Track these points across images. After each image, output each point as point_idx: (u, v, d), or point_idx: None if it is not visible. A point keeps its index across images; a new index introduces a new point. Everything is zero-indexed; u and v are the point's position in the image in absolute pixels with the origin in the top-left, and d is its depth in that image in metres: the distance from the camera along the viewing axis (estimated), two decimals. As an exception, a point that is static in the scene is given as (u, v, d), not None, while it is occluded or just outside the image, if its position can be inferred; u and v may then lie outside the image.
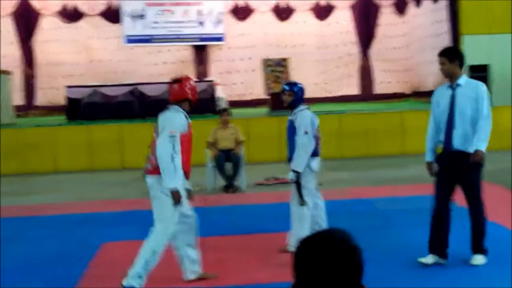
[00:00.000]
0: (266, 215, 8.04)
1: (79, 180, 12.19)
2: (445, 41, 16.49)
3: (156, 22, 19.41)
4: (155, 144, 4.91)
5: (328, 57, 19.83)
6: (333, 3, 19.76)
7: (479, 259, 5.41)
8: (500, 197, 8.40)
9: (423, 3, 18.28)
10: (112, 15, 19.38)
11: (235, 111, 14.21)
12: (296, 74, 18.31)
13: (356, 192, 9.61)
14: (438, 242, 5.42)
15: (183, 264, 5.29)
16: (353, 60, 19.87)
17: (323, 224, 6.18)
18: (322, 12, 19.83)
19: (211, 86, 15.90)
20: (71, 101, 15.40)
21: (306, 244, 1.76)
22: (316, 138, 6.13)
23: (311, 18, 19.85)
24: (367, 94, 19.72)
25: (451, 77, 5.41)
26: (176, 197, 4.85)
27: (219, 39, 19.63)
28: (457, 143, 5.32)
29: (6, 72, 15.50)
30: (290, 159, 6.15)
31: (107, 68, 19.25)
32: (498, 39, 15.06)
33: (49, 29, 19.22)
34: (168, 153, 4.77)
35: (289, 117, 6.24)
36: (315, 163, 6.16)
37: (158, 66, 19.36)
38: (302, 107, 6.19)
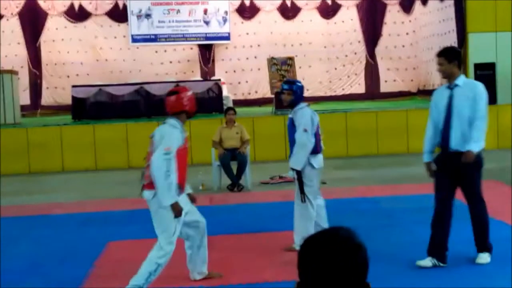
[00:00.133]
0: (271, 214, 8.04)
1: (85, 179, 12.22)
2: (452, 39, 16.43)
3: (162, 22, 19.42)
4: (150, 159, 4.86)
5: (334, 56, 19.80)
6: (339, 1, 19.72)
7: (484, 258, 5.39)
8: (503, 195, 8.37)
9: (429, 2, 18.22)
10: (118, 14, 19.40)
11: (241, 110, 14.20)
12: (302, 73, 18.30)
13: (361, 191, 9.60)
14: (437, 245, 5.38)
15: (191, 264, 5.29)
16: (359, 58, 19.83)
17: (324, 224, 6.14)
18: (328, 11, 19.78)
19: (217, 85, 15.91)
20: (77, 101, 15.43)
21: (311, 242, 1.75)
22: (317, 136, 6.11)
23: (317, 17, 19.81)
24: (373, 92, 19.67)
25: (449, 78, 5.38)
26: (176, 209, 4.82)
27: (225, 38, 19.63)
28: (455, 143, 5.28)
29: (13, 72, 15.54)
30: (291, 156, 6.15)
31: (113, 67, 19.28)
32: (505, 37, 14.99)
33: (55, 29, 19.25)
34: (162, 170, 4.72)
35: (289, 115, 6.24)
36: (317, 160, 6.14)
37: (164, 65, 19.38)
38: (302, 104, 6.18)
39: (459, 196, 5.51)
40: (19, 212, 9.03)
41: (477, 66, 15.00)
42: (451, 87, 5.37)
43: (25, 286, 5.49)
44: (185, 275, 5.38)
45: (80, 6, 19.20)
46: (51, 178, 12.56)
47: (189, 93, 5.18)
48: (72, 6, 19.17)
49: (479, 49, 15.15)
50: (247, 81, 19.57)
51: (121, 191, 10.32)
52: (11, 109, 14.85)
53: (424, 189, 8.13)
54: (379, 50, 19.73)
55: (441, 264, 5.35)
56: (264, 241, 6.58)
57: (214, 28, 19.47)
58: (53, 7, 19.13)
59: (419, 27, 19.10)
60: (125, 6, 19.31)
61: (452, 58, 5.34)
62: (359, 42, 19.79)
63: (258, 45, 19.59)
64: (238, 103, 17.02)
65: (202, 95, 15.36)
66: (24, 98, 17.95)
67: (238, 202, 9.16)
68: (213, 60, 19.67)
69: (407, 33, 19.60)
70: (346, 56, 19.79)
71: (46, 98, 19.14)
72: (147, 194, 4.92)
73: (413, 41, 19.43)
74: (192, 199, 5.24)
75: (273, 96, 15.44)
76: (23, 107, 16.59)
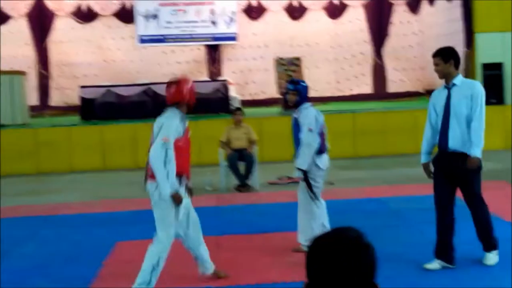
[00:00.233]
0: (279, 214, 8.04)
1: (94, 180, 12.27)
2: (459, 39, 16.38)
3: (169, 22, 19.45)
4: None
5: (341, 56, 19.77)
6: (346, 2, 19.70)
7: (490, 258, 5.37)
8: (510, 195, 8.35)
9: (436, 2, 18.17)
10: (125, 15, 19.44)
11: (248, 111, 14.22)
12: (309, 74, 18.28)
13: (369, 191, 9.59)
14: (444, 247, 5.36)
15: (199, 261, 5.32)
16: (366, 58, 19.79)
17: (327, 224, 6.14)
18: (335, 11, 19.76)
19: (224, 86, 15.93)
20: (85, 101, 15.49)
21: (319, 242, 1.76)
22: (322, 135, 6.12)
23: (324, 17, 19.79)
24: (380, 92, 19.63)
25: (446, 78, 5.35)
26: (176, 199, 4.83)
27: (232, 38, 19.64)
28: (453, 144, 5.25)
29: (21, 73, 15.61)
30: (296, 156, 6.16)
31: (120, 68, 19.33)
32: (513, 37, 14.94)
33: (63, 30, 19.31)
34: (160, 160, 4.74)
35: (294, 115, 6.24)
36: (322, 160, 6.15)
37: (172, 66, 19.41)
38: (306, 104, 6.19)
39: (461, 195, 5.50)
40: (28, 212, 9.07)
41: (485, 66, 14.95)
42: (448, 87, 5.34)
43: (33, 286, 5.52)
44: (191, 275, 5.40)
45: (88, 7, 19.27)
46: (59, 178, 12.61)
47: (189, 83, 5.17)
48: (79, 7, 19.24)
49: (487, 49, 15.10)
50: (254, 82, 19.57)
51: (129, 191, 10.36)
52: (20, 109, 14.92)
53: (432, 189, 8.14)
54: (386, 50, 19.69)
55: (450, 266, 5.34)
56: (272, 242, 6.59)
57: (221, 28, 19.49)
58: (61, 8, 19.20)
59: (426, 27, 19.05)
60: (132, 7, 19.36)
61: (448, 58, 5.30)
62: (366, 42, 19.75)
63: (265, 46, 19.59)
64: (246, 103, 17.01)
65: (209, 95, 15.37)
66: (33, 98, 18.02)
67: (246, 203, 9.18)
68: (221, 61, 19.69)
69: (414, 33, 19.55)
70: (353, 56, 19.76)
71: (54, 99, 19.21)
72: (150, 185, 4.94)
73: (420, 41, 19.38)
74: (190, 191, 5.24)
75: (280, 96, 15.44)
76: (31, 108, 16.65)
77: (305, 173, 6.03)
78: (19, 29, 19.03)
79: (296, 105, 6.21)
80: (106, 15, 19.41)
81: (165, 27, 19.42)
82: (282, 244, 6.34)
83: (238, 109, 11.07)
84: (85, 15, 19.31)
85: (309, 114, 6.07)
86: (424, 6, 19.06)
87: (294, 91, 6.19)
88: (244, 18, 19.72)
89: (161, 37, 19.46)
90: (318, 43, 19.63)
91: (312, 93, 18.83)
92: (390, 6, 19.59)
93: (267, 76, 18.68)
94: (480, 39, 15.28)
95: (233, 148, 10.22)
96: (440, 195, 5.39)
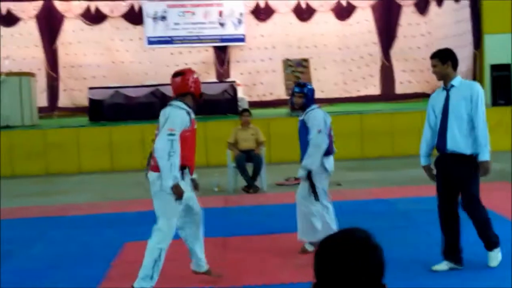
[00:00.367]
0: (287, 215, 8.00)
1: (102, 181, 12.31)
2: (468, 40, 16.34)
3: (177, 24, 19.50)
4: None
5: (349, 58, 19.75)
6: (354, 3, 19.68)
7: (494, 258, 5.33)
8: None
9: (445, 3, 18.13)
10: (134, 17, 19.51)
11: (256, 112, 14.22)
12: (317, 75, 18.28)
13: (377, 192, 9.58)
14: (451, 248, 5.34)
15: (193, 257, 5.28)
16: (374, 60, 19.76)
17: (334, 226, 6.13)
18: (343, 13, 19.74)
19: (232, 87, 15.95)
20: (94, 103, 15.55)
21: (327, 243, 1.77)
22: (329, 137, 6.12)
23: (332, 19, 19.77)
24: (388, 94, 19.59)
25: (444, 79, 5.31)
26: (177, 191, 4.77)
27: (240, 40, 19.66)
28: (451, 145, 5.21)
29: (30, 74, 15.69)
30: (302, 160, 6.14)
31: (129, 69, 19.39)
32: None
33: (72, 31, 19.40)
34: (165, 151, 4.71)
35: (300, 118, 6.23)
36: (329, 162, 6.15)
37: (180, 67, 18.93)
38: (313, 106, 6.20)
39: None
40: (36, 213, 9.11)
41: (493, 68, 14.90)
42: (447, 88, 5.30)
43: (41, 287, 5.55)
44: (193, 275, 5.38)
45: (97, 9, 19.34)
46: (67, 179, 12.66)
47: (195, 75, 5.16)
48: (88, 8, 19.32)
49: (495, 50, 15.04)
50: (262, 83, 19.58)
51: (137, 192, 10.38)
52: (29, 110, 15.00)
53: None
54: (394, 51, 19.66)
55: (458, 267, 5.32)
56: (280, 243, 6.59)
57: (229, 30, 19.52)
58: (70, 10, 19.28)
59: (434, 28, 19.00)
60: (140, 9, 19.42)
61: (445, 59, 5.27)
62: (374, 43, 19.72)
63: (273, 47, 19.60)
64: (253, 104, 17.02)
65: (217, 96, 15.42)
66: (42, 100, 18.11)
67: (254, 204, 9.18)
68: (228, 62, 19.72)
69: (422, 35, 19.51)
70: (361, 57, 19.73)
71: (63, 100, 19.29)
72: (152, 175, 4.91)
73: (428, 42, 19.32)
74: (195, 185, 5.22)
75: (288, 97, 15.44)
76: (40, 109, 16.74)
77: (309, 173, 6.02)
78: (29, 31, 19.14)
79: (303, 107, 6.21)
80: (114, 17, 19.49)
81: (173, 29, 19.47)
82: (290, 245, 6.34)
83: (246, 110, 11.08)
84: (94, 17, 19.39)
85: (317, 116, 6.08)
86: (432, 7, 19.02)
87: (300, 93, 6.20)
88: (252, 19, 19.74)
89: (169, 39, 19.51)
90: (326, 45, 19.62)
91: (319, 94, 18.83)
92: (398, 7, 19.56)
93: (275, 77, 18.70)
94: (489, 40, 15.23)
95: (240, 149, 10.23)
96: (442, 197, 5.36)
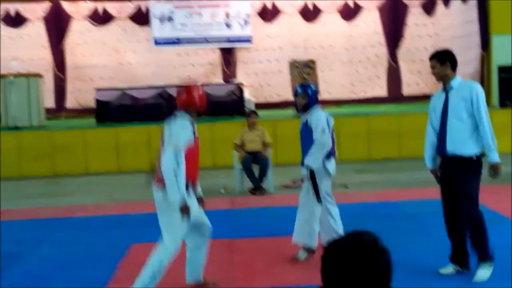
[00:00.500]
0: (293, 217, 7.98)
1: (109, 182, 12.33)
2: (475, 41, 16.29)
3: (184, 25, 19.52)
4: (161, 156, 4.85)
5: (356, 59, 19.72)
6: (360, 4, 19.65)
7: (482, 273, 5.13)
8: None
9: (452, 3, 18.08)
10: (141, 18, 19.54)
11: (262, 113, 14.22)
12: (324, 76, 18.26)
13: (384, 195, 9.55)
14: (457, 252, 5.29)
15: (189, 267, 5.23)
16: (381, 61, 19.72)
17: (339, 229, 6.10)
18: (350, 13, 19.71)
19: (239, 88, 15.95)
20: (101, 104, 15.58)
21: (335, 246, 1.76)
22: (332, 139, 6.09)
23: (338, 20, 19.74)
24: (395, 95, 19.54)
25: (443, 80, 5.26)
26: (184, 209, 4.76)
27: (246, 41, 19.66)
28: (451, 148, 5.16)
29: (38, 75, 15.75)
30: (303, 161, 6.11)
31: (136, 70, 19.43)
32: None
33: (79, 32, 19.45)
34: (171, 169, 4.69)
35: (303, 119, 6.20)
36: (331, 165, 6.11)
37: (187, 68, 19.47)
38: (316, 107, 6.17)
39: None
40: (43, 214, 9.14)
41: (501, 69, 14.84)
42: (446, 89, 5.26)
43: (49, 287, 5.56)
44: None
45: (104, 10, 19.40)
46: (74, 181, 12.70)
47: (200, 89, 5.13)
48: (96, 9, 19.38)
49: (503, 51, 14.99)
50: (269, 84, 19.57)
51: (143, 194, 10.37)
52: (37, 112, 15.05)
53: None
54: (401, 52, 19.61)
55: (465, 270, 5.29)
56: (286, 245, 6.57)
57: (236, 31, 19.53)
58: (78, 11, 19.35)
59: (441, 29, 18.95)
60: (147, 10, 19.46)
61: (444, 60, 5.22)
62: (380, 44, 19.68)
63: (280, 48, 19.60)
64: (260, 106, 17.02)
65: (224, 98, 15.42)
66: (49, 101, 18.16)
67: (260, 205, 9.17)
68: (235, 63, 19.72)
69: (429, 35, 19.45)
70: (368, 58, 19.70)
71: (70, 101, 19.34)
72: (157, 192, 4.90)
73: (435, 43, 19.25)
74: (201, 202, 5.19)
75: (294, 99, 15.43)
76: (48, 110, 16.79)
77: (312, 173, 5.99)
78: (36, 32, 19.21)
79: (305, 108, 6.18)
80: (121, 18, 19.53)
81: (180, 30, 19.49)
82: (297, 247, 6.33)
83: (253, 111, 11.08)
84: (101, 18, 19.44)
85: (320, 117, 6.05)
86: (439, 8, 18.96)
87: (303, 94, 6.17)
88: (258, 20, 19.73)
89: (176, 40, 19.53)
90: (332, 46, 19.60)
91: (326, 96, 18.74)
92: (405, 8, 19.51)
93: (282, 78, 18.68)
94: (496, 41, 15.17)
95: (247, 151, 10.23)
96: (446, 201, 5.31)
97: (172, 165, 4.70)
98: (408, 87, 19.62)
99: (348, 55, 19.70)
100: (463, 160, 5.12)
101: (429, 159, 5.45)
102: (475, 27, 16.39)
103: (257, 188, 10.11)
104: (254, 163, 10.16)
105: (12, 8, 18.90)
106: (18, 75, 15.03)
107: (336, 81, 19.24)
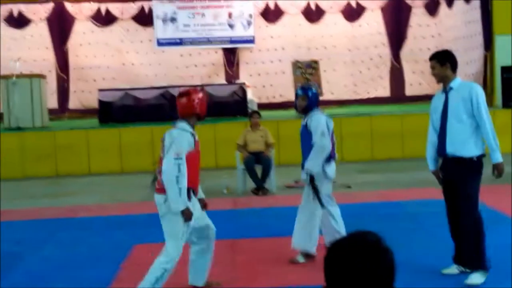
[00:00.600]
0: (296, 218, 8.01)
1: (111, 182, 12.34)
2: (478, 41, 16.26)
3: (187, 25, 19.53)
4: (162, 163, 4.84)
5: (358, 59, 19.71)
6: (363, 4, 19.63)
7: (475, 278, 5.04)
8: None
9: (455, 4, 18.05)
10: (144, 18, 19.56)
11: (265, 113, 14.23)
12: (327, 76, 18.25)
13: (387, 195, 9.55)
14: (460, 253, 5.28)
15: (192, 268, 5.23)
16: (384, 61, 19.71)
17: (342, 230, 6.09)
18: (353, 14, 19.69)
19: (242, 89, 15.95)
20: (104, 104, 15.60)
21: (338, 246, 1.76)
22: (332, 142, 6.07)
23: (341, 20, 19.73)
24: (398, 95, 19.52)
25: (443, 81, 5.25)
26: (186, 215, 4.77)
27: (249, 41, 19.66)
28: (450, 149, 5.14)
29: (41, 76, 15.77)
30: (304, 165, 6.07)
31: (138, 71, 19.45)
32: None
33: (82, 33, 19.47)
34: (173, 176, 4.69)
35: (303, 122, 6.17)
36: (331, 168, 6.07)
37: (189, 69, 19.49)
38: (316, 110, 6.13)
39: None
40: (46, 214, 9.14)
41: (504, 69, 14.81)
42: (446, 90, 5.24)
43: (52, 287, 5.56)
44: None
45: (107, 11, 19.42)
46: (77, 181, 12.71)
47: (200, 95, 5.10)
48: (99, 10, 19.40)
49: (506, 52, 14.96)
50: (271, 85, 19.56)
51: (146, 194, 10.38)
52: (40, 112, 15.07)
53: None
54: (404, 53, 19.59)
55: (468, 270, 5.27)
56: (289, 245, 6.56)
57: (239, 31, 19.53)
58: (81, 12, 19.37)
59: (445, 30, 18.93)
60: (150, 10, 19.47)
61: (444, 61, 5.20)
62: (383, 45, 19.66)
63: (283, 49, 19.59)
64: (263, 106, 17.02)
65: (226, 98, 15.43)
66: (52, 101, 18.19)
67: (263, 206, 9.17)
68: (238, 64, 19.73)
69: (432, 36, 19.43)
70: (371, 59, 19.68)
71: (73, 102, 19.37)
72: (158, 198, 4.89)
73: (439, 43, 19.22)
74: (204, 204, 5.19)
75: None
76: (51, 111, 16.80)
77: (312, 178, 5.97)
78: (40, 33, 19.24)
79: (305, 110, 6.16)
80: (124, 19, 19.55)
81: (183, 30, 19.50)
82: (296, 250, 6.32)
83: (255, 112, 11.08)
84: (104, 19, 19.47)
85: (320, 120, 6.02)
86: (442, 8, 18.94)
87: (303, 96, 6.15)
88: (261, 21, 19.73)
89: (179, 40, 19.55)
90: (335, 46, 19.58)
91: (329, 96, 18.70)
92: (408, 8, 19.50)
93: (285, 79, 18.68)
94: (500, 41, 15.14)
95: (250, 151, 10.23)
96: (449, 202, 5.30)
97: (173, 172, 4.70)
98: (411, 88, 19.60)
99: (351, 55, 19.69)
100: (463, 161, 5.10)
101: (430, 160, 5.44)
102: (478, 28, 16.36)
103: (260, 189, 10.10)
104: (257, 164, 10.16)
105: (15, 8, 18.94)
106: (21, 76, 15.04)
107: (339, 82, 19.23)
